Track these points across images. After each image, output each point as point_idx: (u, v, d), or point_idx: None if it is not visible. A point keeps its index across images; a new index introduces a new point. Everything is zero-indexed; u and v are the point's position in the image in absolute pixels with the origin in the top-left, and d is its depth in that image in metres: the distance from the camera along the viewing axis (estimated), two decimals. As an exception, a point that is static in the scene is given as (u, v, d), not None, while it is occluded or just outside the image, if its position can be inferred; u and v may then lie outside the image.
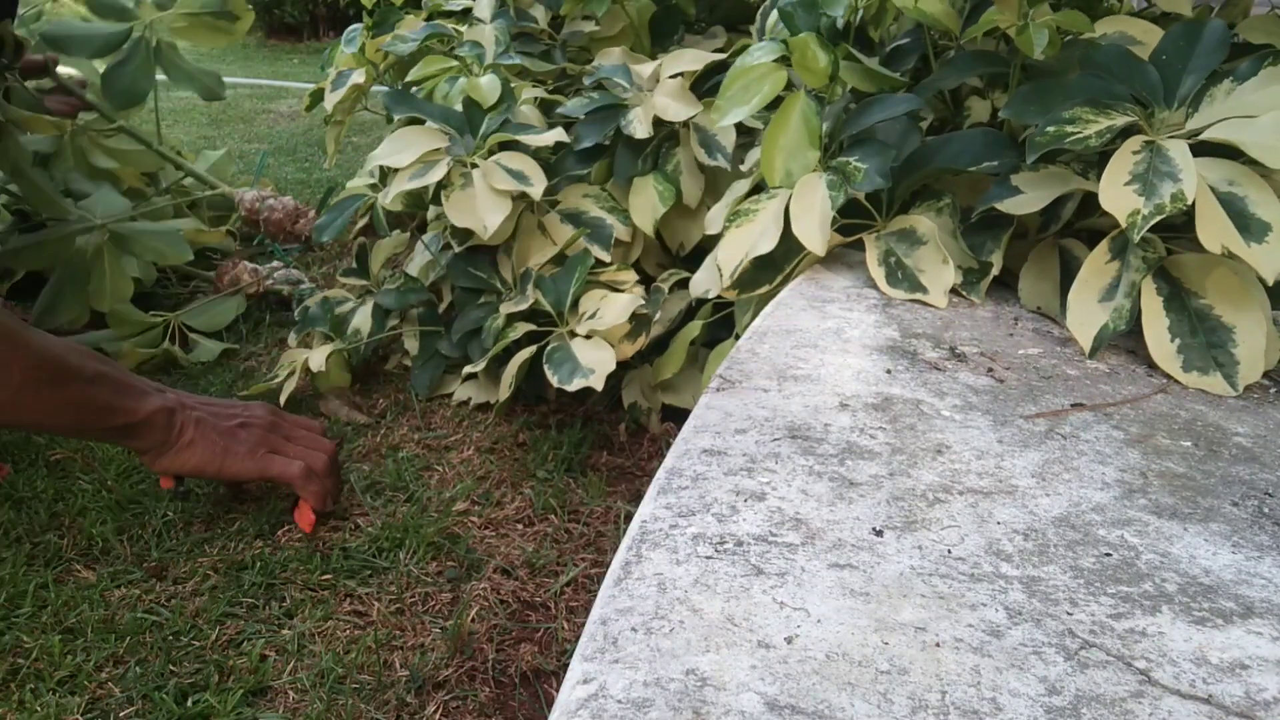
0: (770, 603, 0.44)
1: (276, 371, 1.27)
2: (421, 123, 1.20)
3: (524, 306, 1.13)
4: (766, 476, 0.55)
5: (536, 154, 1.18)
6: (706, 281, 1.03)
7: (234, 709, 0.76)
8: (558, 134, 1.15)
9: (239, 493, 1.05)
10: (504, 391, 1.10)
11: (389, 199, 1.17)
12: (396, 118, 1.23)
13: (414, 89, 1.35)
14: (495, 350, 1.11)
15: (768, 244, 0.85)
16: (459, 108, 1.20)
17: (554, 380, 1.03)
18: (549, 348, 1.07)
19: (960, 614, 0.44)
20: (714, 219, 1.03)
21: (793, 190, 0.85)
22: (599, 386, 1.00)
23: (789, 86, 0.93)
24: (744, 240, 0.86)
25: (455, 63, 1.29)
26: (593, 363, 1.03)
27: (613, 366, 1.02)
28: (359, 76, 1.49)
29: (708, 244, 1.11)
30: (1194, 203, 0.68)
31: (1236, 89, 0.73)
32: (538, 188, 1.11)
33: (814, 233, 0.82)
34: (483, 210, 1.12)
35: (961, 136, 0.88)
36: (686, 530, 0.50)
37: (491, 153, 1.16)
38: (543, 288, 1.13)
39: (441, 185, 1.14)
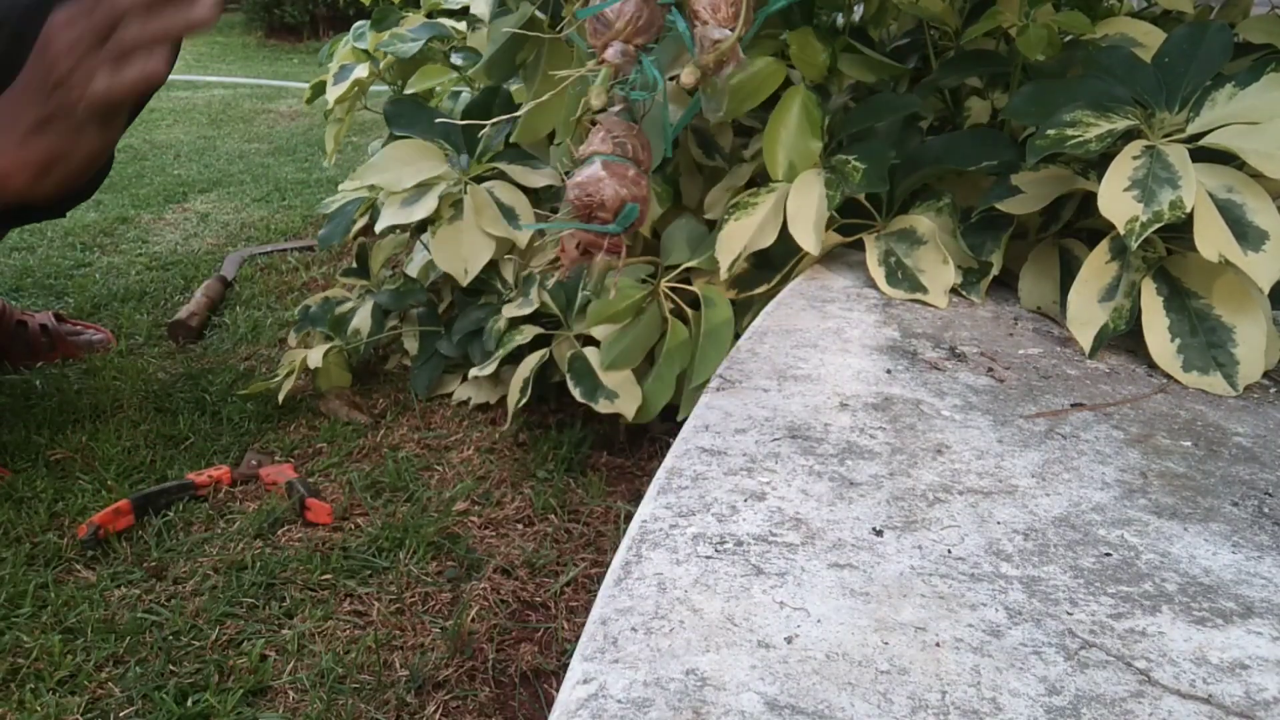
0: (770, 603, 0.44)
1: (276, 371, 1.27)
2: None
3: (528, 310, 1.13)
4: (766, 476, 0.55)
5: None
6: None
7: (234, 709, 0.76)
8: (550, 176, 1.17)
9: (240, 492, 1.05)
10: (514, 395, 1.09)
11: (380, 229, 1.18)
12: (394, 132, 1.23)
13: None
14: (502, 354, 1.11)
15: (767, 238, 0.85)
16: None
17: (577, 394, 1.02)
18: (569, 355, 1.06)
19: (960, 614, 0.44)
20: (714, 204, 1.03)
21: (791, 185, 0.85)
22: (629, 414, 0.99)
23: (788, 82, 0.93)
24: (742, 233, 0.86)
25: (454, 73, 1.29)
26: (615, 386, 1.02)
27: (638, 397, 1.00)
28: (361, 71, 1.49)
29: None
30: (1193, 209, 0.68)
31: (1239, 94, 0.73)
32: (525, 234, 1.13)
33: (809, 233, 0.82)
34: (467, 251, 1.14)
35: (961, 136, 0.88)
36: (686, 530, 0.50)
37: (485, 176, 1.17)
38: (550, 291, 1.13)
39: (429, 220, 1.15)
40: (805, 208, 0.84)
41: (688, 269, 0.98)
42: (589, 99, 0.61)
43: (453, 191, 1.17)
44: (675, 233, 1.02)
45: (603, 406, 1.00)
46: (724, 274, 0.87)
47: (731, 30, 0.63)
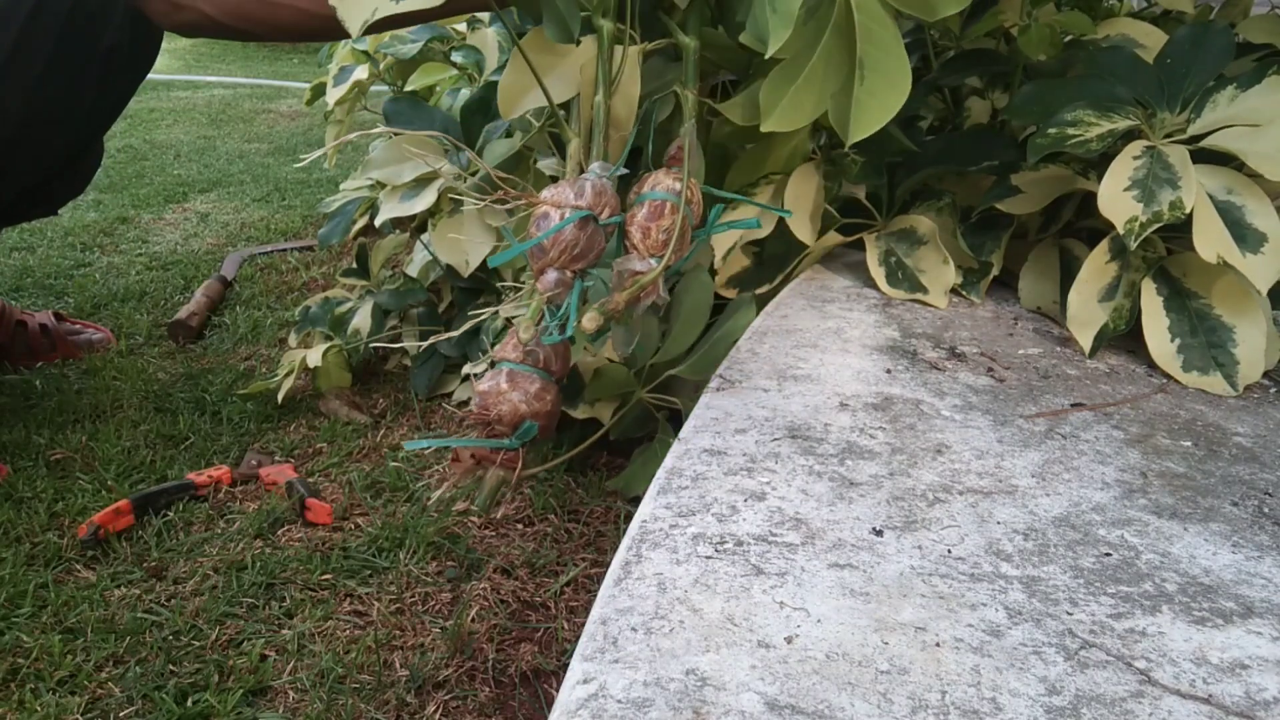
0: (770, 603, 0.44)
1: (276, 371, 1.27)
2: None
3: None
4: (766, 476, 0.55)
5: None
6: None
7: (234, 709, 0.76)
8: (553, 165, 1.17)
9: (240, 492, 1.05)
10: None
11: (380, 222, 1.18)
12: (393, 129, 1.23)
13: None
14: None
15: (763, 229, 0.85)
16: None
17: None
18: None
19: (960, 614, 0.44)
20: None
21: (790, 177, 0.85)
22: (605, 421, 0.99)
23: None
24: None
25: (454, 70, 1.29)
26: (594, 393, 1.02)
27: (615, 402, 1.01)
28: (361, 72, 1.49)
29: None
30: (1192, 210, 0.68)
31: (1240, 95, 0.73)
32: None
33: (804, 223, 0.83)
34: (469, 244, 1.14)
35: (961, 136, 0.88)
36: (686, 530, 0.50)
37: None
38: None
39: (430, 212, 1.15)
40: (802, 198, 0.83)
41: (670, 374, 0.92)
42: (519, 331, 0.59)
43: (453, 186, 1.17)
44: (683, 303, 0.91)
45: (581, 412, 1.01)
46: (719, 262, 0.87)
47: (659, 259, 0.60)
